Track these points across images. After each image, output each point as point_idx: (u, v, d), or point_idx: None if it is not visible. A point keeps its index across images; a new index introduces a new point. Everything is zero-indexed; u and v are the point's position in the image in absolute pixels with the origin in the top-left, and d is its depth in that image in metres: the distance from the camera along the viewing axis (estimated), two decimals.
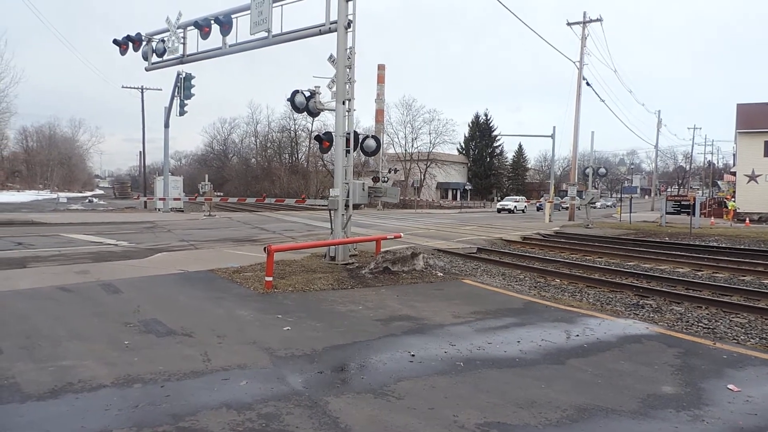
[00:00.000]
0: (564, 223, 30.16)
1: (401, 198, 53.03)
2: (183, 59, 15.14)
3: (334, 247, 11.37)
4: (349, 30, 11.18)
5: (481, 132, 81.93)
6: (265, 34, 12.20)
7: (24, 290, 7.96)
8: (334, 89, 11.44)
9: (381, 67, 69.26)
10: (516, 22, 77.85)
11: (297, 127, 73.49)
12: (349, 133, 11.38)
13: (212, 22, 13.45)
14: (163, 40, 15.17)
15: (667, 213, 28.99)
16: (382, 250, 11.59)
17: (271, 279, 8.54)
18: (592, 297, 9.43)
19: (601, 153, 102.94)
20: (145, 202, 38.32)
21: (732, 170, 47.25)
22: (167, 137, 33.40)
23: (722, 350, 5.78)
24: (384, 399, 4.17)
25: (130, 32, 16.15)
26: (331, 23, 11.26)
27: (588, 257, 15.53)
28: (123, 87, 45.14)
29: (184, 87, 25.44)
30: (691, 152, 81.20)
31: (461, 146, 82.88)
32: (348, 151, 11.45)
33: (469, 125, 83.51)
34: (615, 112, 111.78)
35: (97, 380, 4.39)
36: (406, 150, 70.04)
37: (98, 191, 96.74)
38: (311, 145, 68.84)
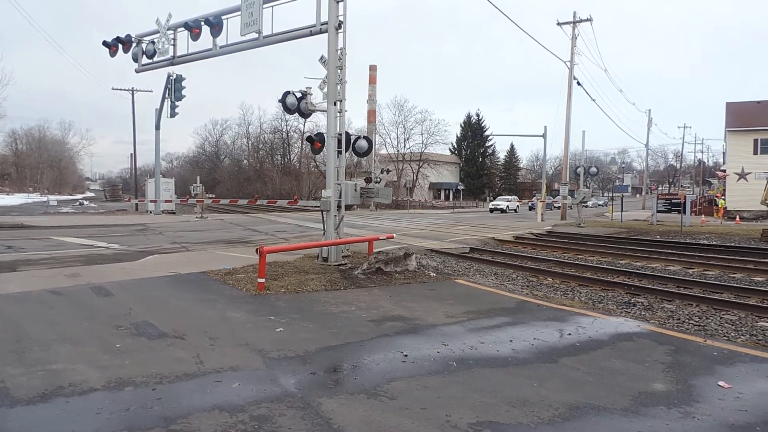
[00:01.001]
0: (556, 222, 30.30)
1: (394, 198, 53.02)
2: (173, 61, 15.07)
3: (326, 248, 11.35)
4: (339, 31, 11.17)
5: (473, 132, 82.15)
6: (256, 35, 12.16)
7: (14, 294, 7.89)
8: (325, 90, 11.42)
9: (373, 68, 69.14)
10: (509, 22, 78.25)
11: (289, 128, 73.48)
12: (340, 134, 11.37)
13: (202, 23, 13.40)
14: (153, 42, 15.10)
15: (658, 211, 29.21)
16: (375, 250, 11.58)
17: (263, 280, 8.52)
18: (584, 296, 9.48)
19: (592, 152, 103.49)
20: (137, 204, 38.07)
21: (722, 168, 47.63)
22: (158, 139, 33.21)
23: (713, 347, 5.82)
24: (377, 399, 4.17)
25: (120, 34, 16.08)
26: (321, 24, 11.25)
27: (580, 256, 15.60)
28: (113, 89, 44.64)
29: (174, 89, 25.31)
30: (682, 151, 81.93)
31: (453, 146, 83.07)
32: (340, 152, 11.44)
33: (461, 125, 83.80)
34: (606, 112, 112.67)
35: (88, 384, 4.36)
36: (398, 150, 70.17)
37: (89, 194, 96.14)
38: (303, 146, 68.78)
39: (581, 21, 32.54)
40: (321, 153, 12.52)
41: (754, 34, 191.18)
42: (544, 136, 39.79)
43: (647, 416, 3.94)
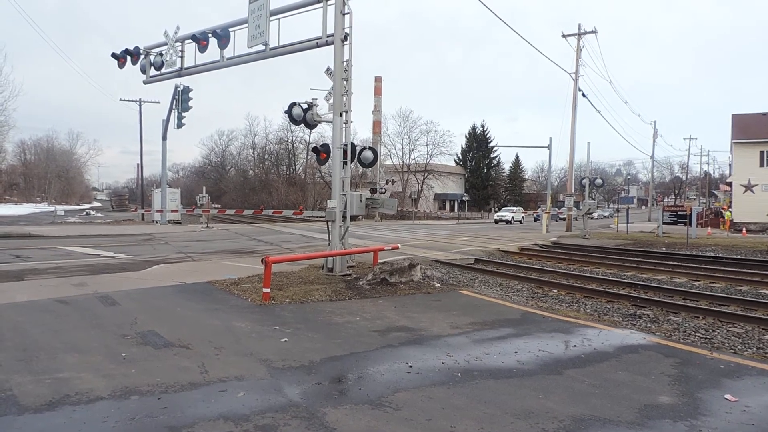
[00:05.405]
0: (561, 233, 30.22)
1: (399, 209, 53.06)
2: (181, 72, 15.22)
3: (331, 258, 11.38)
4: (345, 43, 11.27)
5: (478, 143, 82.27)
6: (263, 47, 12.29)
7: (21, 303, 7.94)
8: (331, 101, 11.50)
9: (378, 79, 69.67)
10: (511, 31, 78.57)
11: (294, 138, 73.71)
12: (346, 145, 11.43)
13: (210, 35, 13.55)
14: (161, 54, 15.28)
15: (663, 223, 29.07)
16: (380, 261, 11.59)
17: (268, 290, 8.54)
18: (590, 307, 9.44)
19: (597, 163, 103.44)
20: (143, 214, 38.20)
21: (728, 180, 47.48)
22: (165, 149, 33.44)
23: (719, 360, 5.79)
24: (381, 410, 4.17)
25: (128, 46, 16.27)
26: (328, 36, 11.35)
27: (585, 268, 15.55)
28: (121, 100, 45.10)
29: (181, 100, 25.50)
30: (687, 162, 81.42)
31: (458, 157, 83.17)
32: (345, 163, 11.49)
33: (466, 136, 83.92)
34: (611, 123, 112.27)
35: (95, 392, 4.38)
36: (403, 161, 70.28)
37: (96, 204, 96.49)
38: (309, 156, 68.91)
39: (586, 33, 32.71)
40: (326, 164, 12.60)
41: (761, 43, 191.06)
42: (549, 147, 39.85)
43: (653, 429, 3.93)
